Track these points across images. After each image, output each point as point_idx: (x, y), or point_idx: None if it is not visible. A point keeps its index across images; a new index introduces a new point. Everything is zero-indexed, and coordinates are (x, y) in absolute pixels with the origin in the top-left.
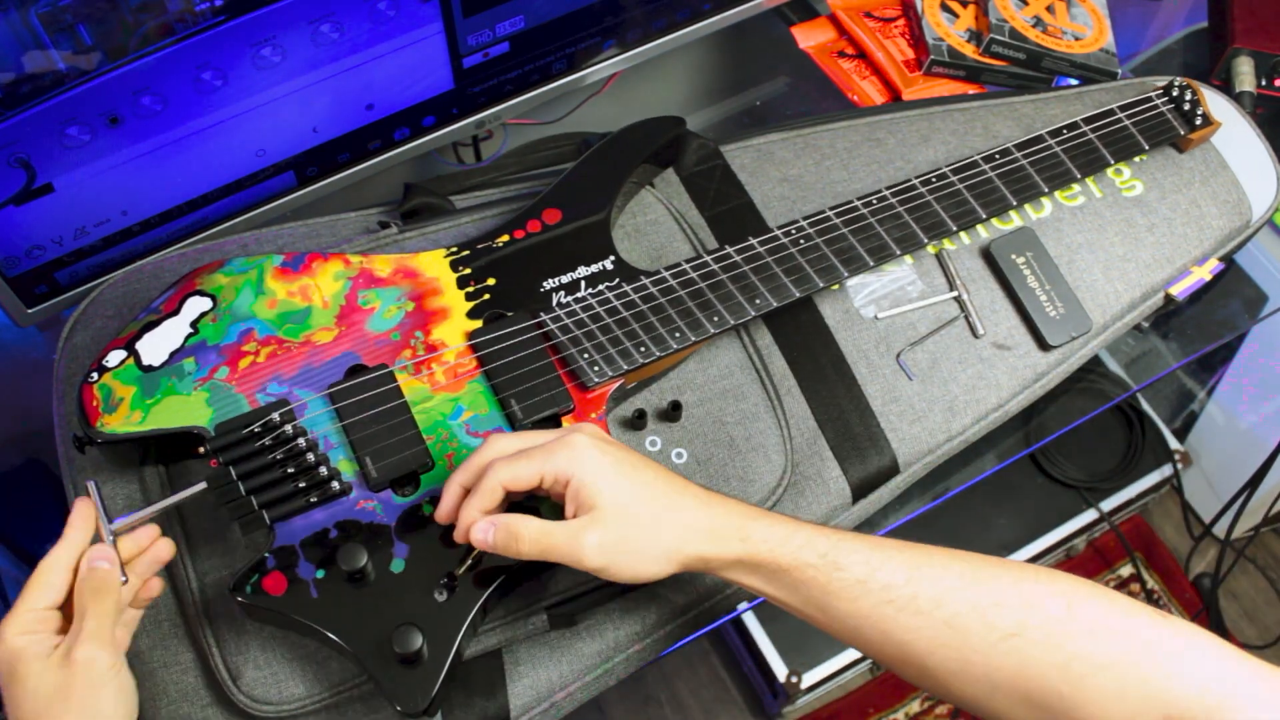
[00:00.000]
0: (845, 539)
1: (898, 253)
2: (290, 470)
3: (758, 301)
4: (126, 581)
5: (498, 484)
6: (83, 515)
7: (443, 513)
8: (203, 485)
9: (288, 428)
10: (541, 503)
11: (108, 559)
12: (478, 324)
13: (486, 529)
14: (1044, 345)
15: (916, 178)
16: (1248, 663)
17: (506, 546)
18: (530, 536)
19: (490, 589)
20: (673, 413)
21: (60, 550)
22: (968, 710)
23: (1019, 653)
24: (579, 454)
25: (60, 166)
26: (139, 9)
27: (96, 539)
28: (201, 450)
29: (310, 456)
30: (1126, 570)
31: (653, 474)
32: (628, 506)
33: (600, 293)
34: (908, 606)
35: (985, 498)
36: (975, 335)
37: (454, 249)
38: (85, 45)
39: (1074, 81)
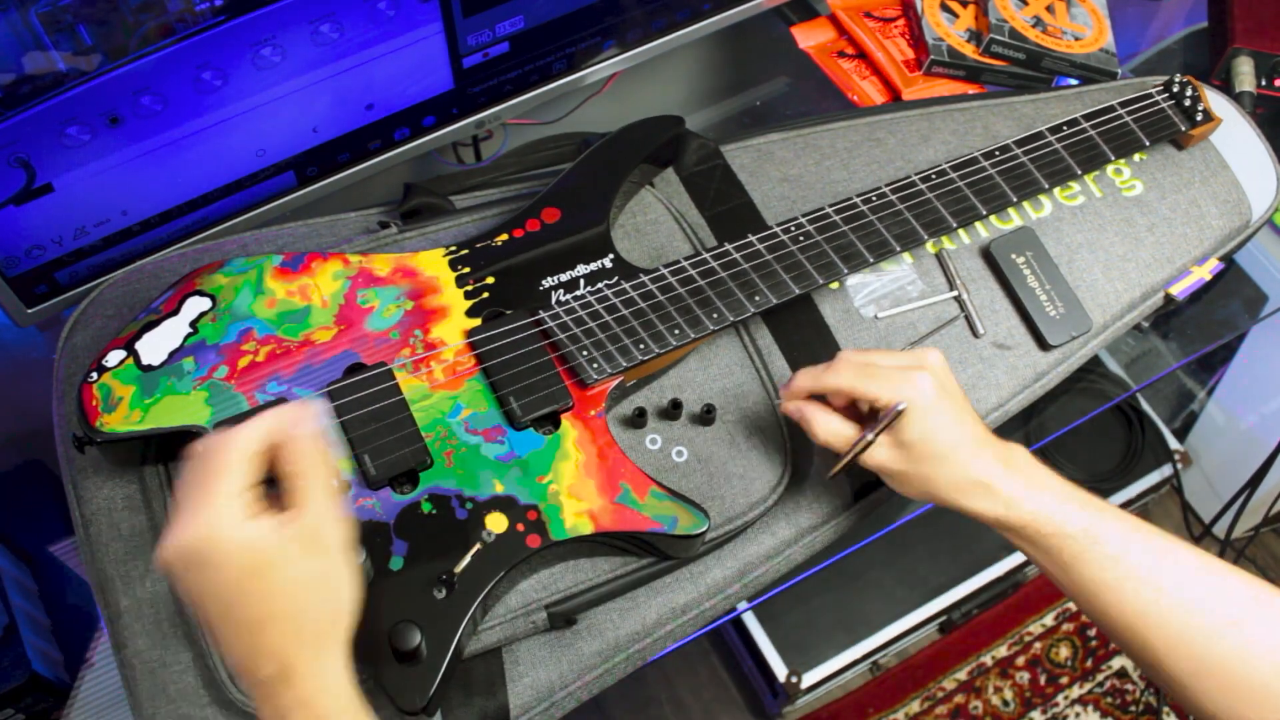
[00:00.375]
0: (1105, 514)
1: (898, 250)
2: None
3: (757, 299)
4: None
5: (836, 385)
6: (299, 411)
7: (790, 389)
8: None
9: None
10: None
11: (324, 412)
12: (476, 322)
13: (791, 407)
14: (1044, 345)
15: (916, 175)
16: None
17: (803, 423)
18: (823, 431)
19: (490, 587)
20: (673, 411)
21: (248, 431)
22: (1164, 688)
23: (1233, 639)
24: (919, 391)
25: (60, 166)
26: (139, 9)
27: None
28: None
29: None
30: None
31: (962, 432)
32: (920, 456)
33: (599, 290)
34: (1149, 582)
35: None
36: (975, 335)
37: (453, 248)
38: (85, 45)
39: (1074, 81)
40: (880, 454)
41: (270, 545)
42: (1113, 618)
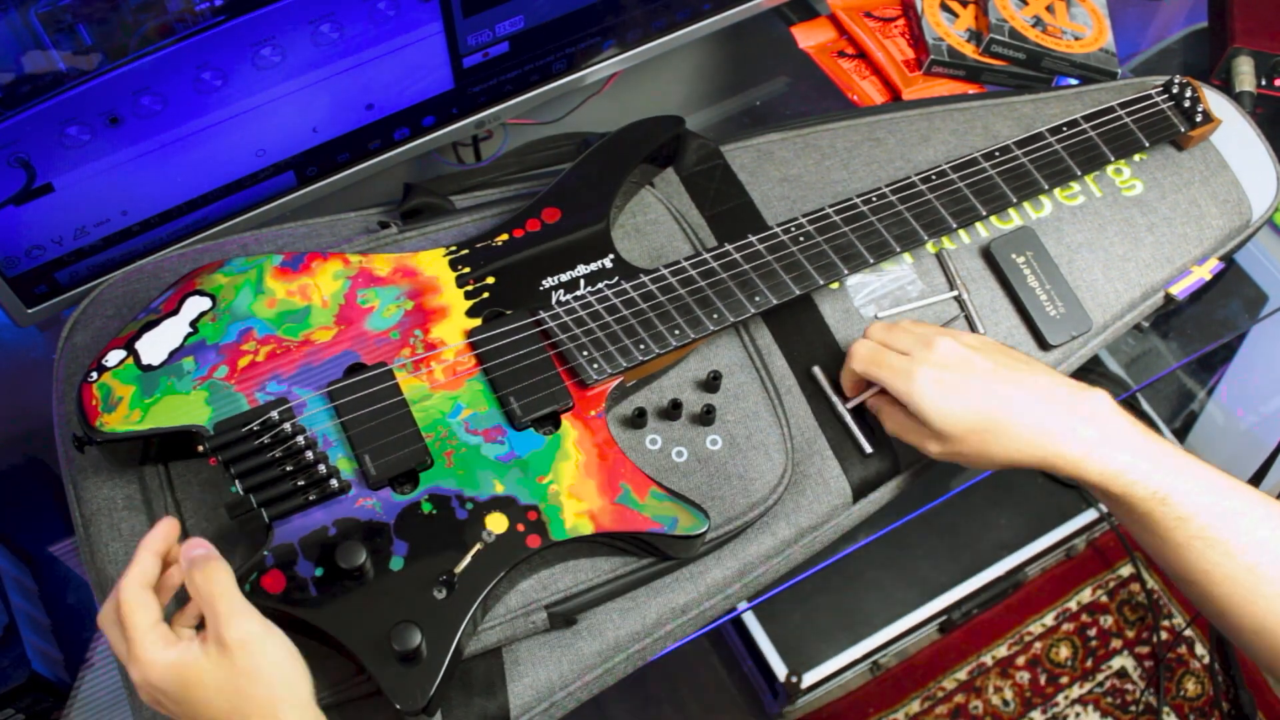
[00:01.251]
0: (1181, 473)
1: (898, 250)
2: (289, 468)
3: (757, 299)
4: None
5: (853, 369)
6: (160, 540)
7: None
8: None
9: (286, 426)
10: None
11: (202, 546)
12: (477, 322)
13: (871, 399)
14: (1044, 345)
15: (916, 175)
16: None
17: (877, 411)
18: (892, 425)
19: (490, 588)
20: (673, 411)
21: (134, 573)
22: (1227, 635)
23: None
24: (916, 387)
25: (60, 166)
26: (139, 9)
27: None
28: (201, 449)
29: (309, 455)
30: (1126, 570)
31: (995, 400)
32: (959, 435)
33: (600, 291)
34: (1218, 547)
35: (985, 498)
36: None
37: (453, 248)
38: (85, 45)
39: (1074, 81)
40: (931, 447)
41: (190, 660)
42: (1180, 574)
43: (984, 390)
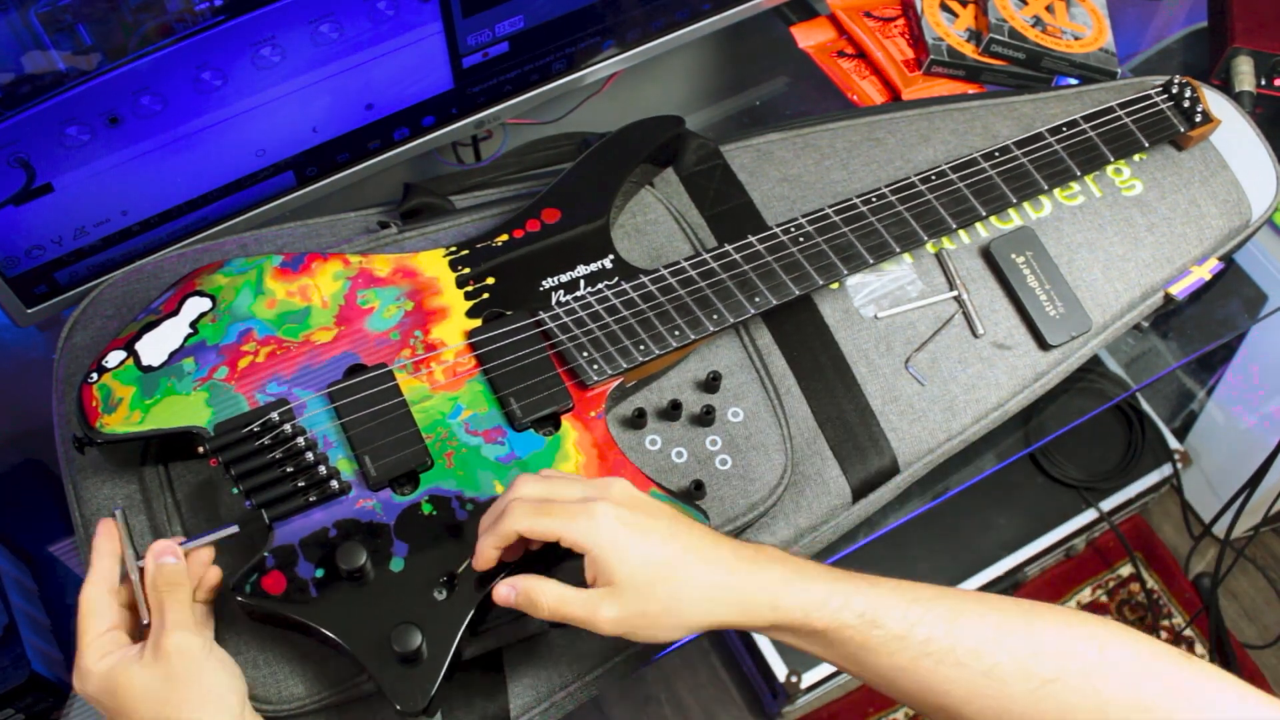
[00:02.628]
0: (882, 593)
1: (897, 251)
2: (289, 470)
3: (757, 300)
4: (148, 623)
5: (513, 531)
6: (108, 540)
7: (477, 561)
8: (234, 528)
9: (287, 427)
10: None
11: (173, 554)
12: (477, 323)
13: (508, 593)
14: (1044, 345)
15: (916, 176)
16: (1274, 706)
17: (526, 609)
18: (548, 604)
19: (489, 588)
20: (672, 412)
21: (95, 578)
22: None
23: (1057, 699)
24: (599, 525)
25: (60, 166)
26: (139, 9)
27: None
28: (201, 450)
29: (309, 456)
30: (1126, 570)
31: (680, 544)
32: (647, 583)
33: (599, 291)
34: (946, 659)
35: (985, 498)
36: (975, 335)
37: (453, 248)
38: (85, 45)
39: (1074, 81)
40: (606, 613)
41: (121, 668)
42: (924, 701)
43: (669, 531)
